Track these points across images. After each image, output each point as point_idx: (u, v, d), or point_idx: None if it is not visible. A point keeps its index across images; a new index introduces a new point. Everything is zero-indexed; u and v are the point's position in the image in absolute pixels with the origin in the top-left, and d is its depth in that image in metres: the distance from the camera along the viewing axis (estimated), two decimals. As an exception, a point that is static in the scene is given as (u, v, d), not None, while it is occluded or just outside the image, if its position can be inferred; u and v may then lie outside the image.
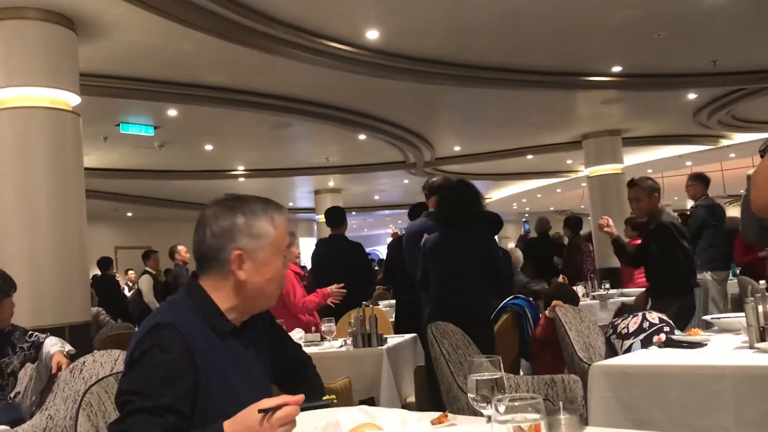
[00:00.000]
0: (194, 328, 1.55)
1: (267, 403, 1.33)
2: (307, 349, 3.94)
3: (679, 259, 4.40)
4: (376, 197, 18.93)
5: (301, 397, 1.36)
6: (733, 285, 6.51)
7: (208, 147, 11.29)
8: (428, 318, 3.99)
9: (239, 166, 13.31)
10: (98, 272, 10.83)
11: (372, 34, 6.80)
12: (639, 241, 5.24)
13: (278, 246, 1.65)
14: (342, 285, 5.06)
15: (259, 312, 1.73)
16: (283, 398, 1.34)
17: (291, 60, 7.01)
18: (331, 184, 15.76)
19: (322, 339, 4.42)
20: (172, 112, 8.89)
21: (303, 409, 1.38)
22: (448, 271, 4.10)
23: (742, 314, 2.66)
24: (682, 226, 4.65)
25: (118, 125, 9.18)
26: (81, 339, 5.07)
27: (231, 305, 1.63)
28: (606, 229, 4.65)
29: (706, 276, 6.29)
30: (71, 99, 5.59)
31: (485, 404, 1.42)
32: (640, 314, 3.38)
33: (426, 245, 4.25)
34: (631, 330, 3.24)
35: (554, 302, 4.07)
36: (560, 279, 7.73)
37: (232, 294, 1.63)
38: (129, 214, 17.54)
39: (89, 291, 5.77)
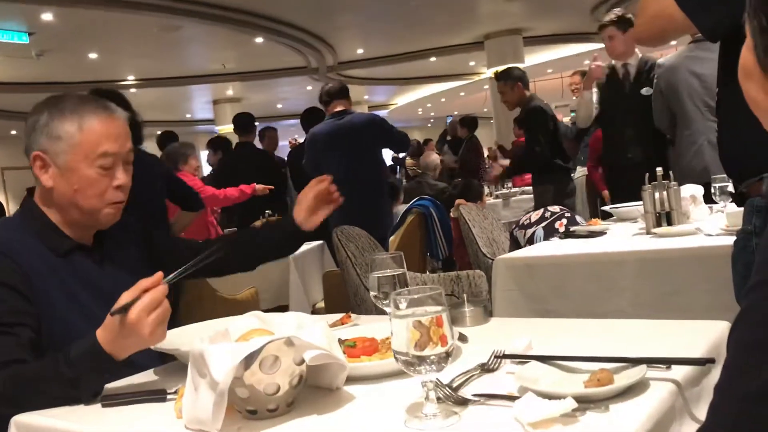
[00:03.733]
0: (25, 248, 1.40)
1: (122, 300, 1.15)
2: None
3: (545, 142, 4.38)
4: (279, 106, 18.42)
5: (159, 275, 1.18)
6: None
7: (93, 55, 10.57)
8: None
9: (129, 75, 12.55)
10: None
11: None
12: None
13: (85, 152, 1.42)
14: (272, 188, 5.18)
15: (104, 228, 1.52)
16: (139, 286, 1.16)
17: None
18: (230, 92, 15.13)
19: (228, 249, 4.30)
20: (47, 16, 8.18)
21: (171, 280, 1.20)
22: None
23: (640, 203, 2.70)
24: (552, 111, 4.61)
25: (-14, 31, 8.42)
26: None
27: (60, 219, 1.48)
28: (496, 165, 4.61)
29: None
30: None
31: (388, 301, 1.36)
32: (542, 209, 3.43)
33: (315, 142, 4.35)
34: (533, 220, 3.29)
35: (457, 201, 4.07)
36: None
37: (50, 205, 1.47)
38: (13, 132, 16.37)
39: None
